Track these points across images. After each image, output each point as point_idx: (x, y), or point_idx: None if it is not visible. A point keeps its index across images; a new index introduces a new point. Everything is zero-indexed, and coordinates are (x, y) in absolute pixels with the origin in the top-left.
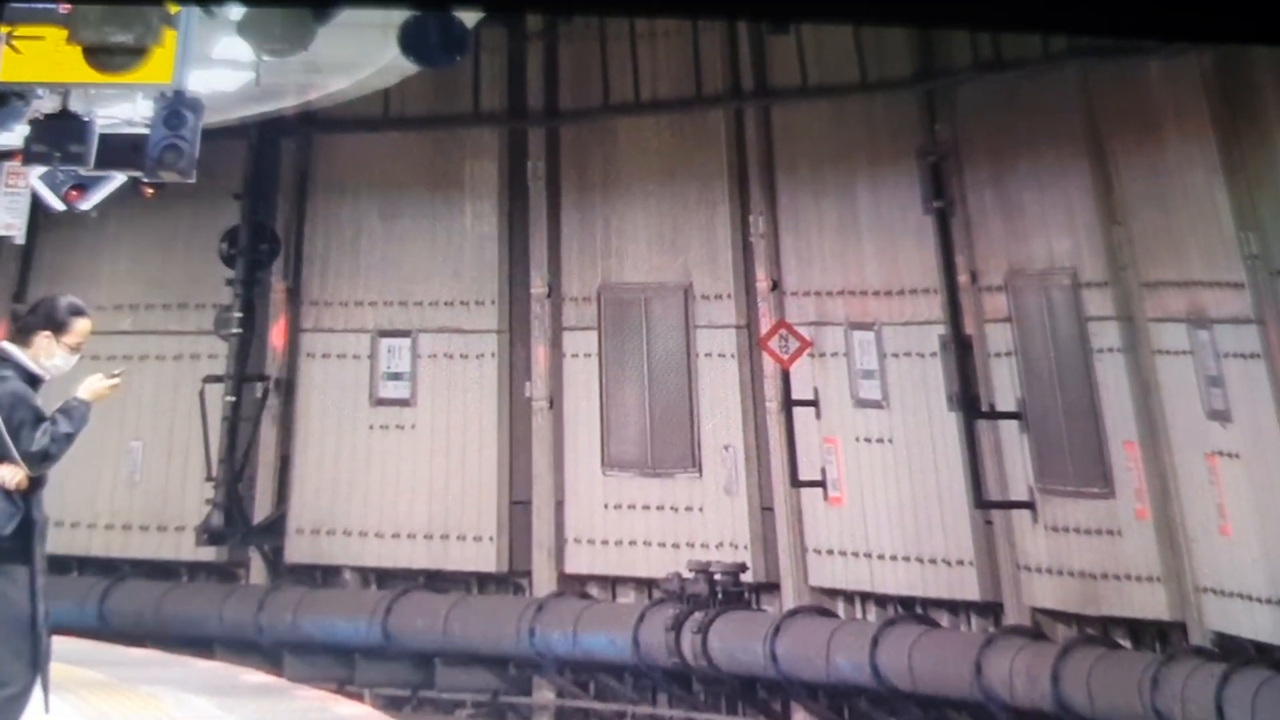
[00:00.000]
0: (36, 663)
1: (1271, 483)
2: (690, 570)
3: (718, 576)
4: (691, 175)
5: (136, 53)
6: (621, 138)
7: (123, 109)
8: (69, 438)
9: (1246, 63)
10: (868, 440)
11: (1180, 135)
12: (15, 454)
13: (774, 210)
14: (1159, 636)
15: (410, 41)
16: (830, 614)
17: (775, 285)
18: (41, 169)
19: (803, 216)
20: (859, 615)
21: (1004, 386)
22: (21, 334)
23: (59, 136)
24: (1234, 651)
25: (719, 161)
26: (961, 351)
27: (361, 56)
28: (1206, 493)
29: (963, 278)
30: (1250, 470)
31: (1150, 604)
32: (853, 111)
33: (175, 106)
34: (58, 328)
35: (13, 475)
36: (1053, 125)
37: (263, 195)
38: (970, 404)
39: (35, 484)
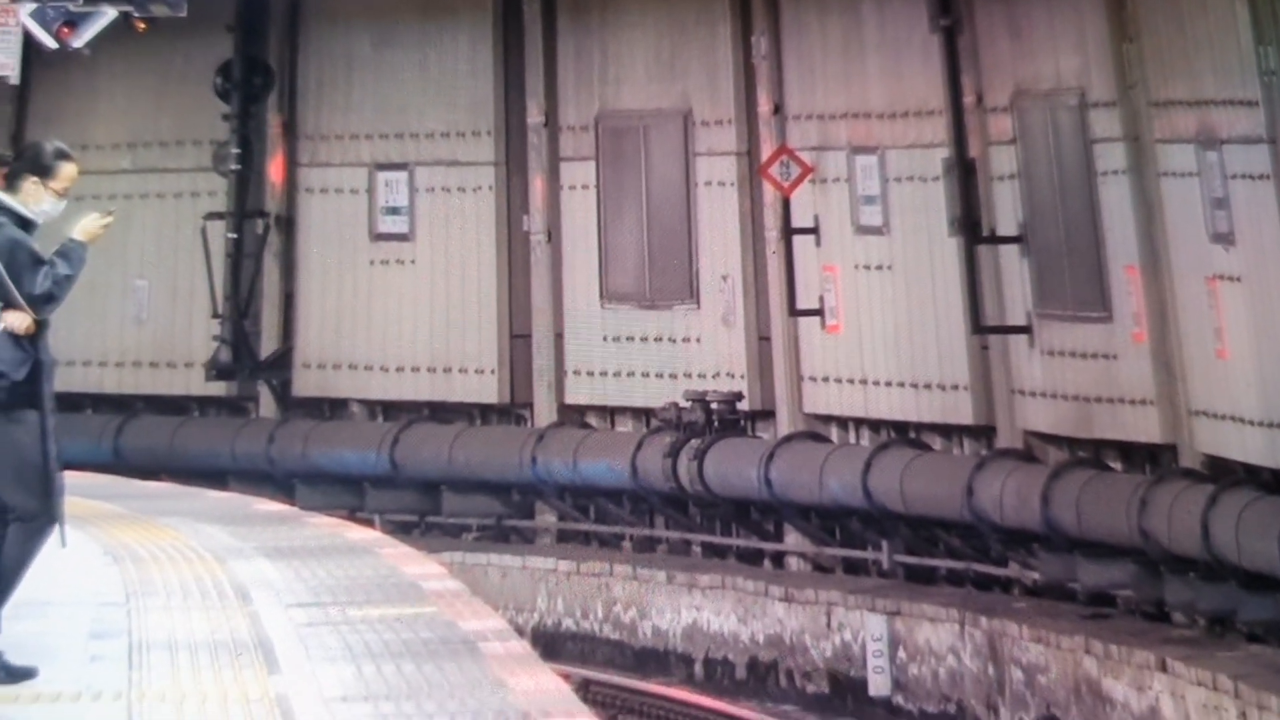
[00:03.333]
0: (52, 498)
1: (1271, 305)
2: (687, 399)
3: (714, 405)
4: None
5: None
6: None
7: None
8: (69, 279)
9: None
10: (867, 268)
11: None
12: (19, 299)
13: (777, 30)
14: (1150, 459)
15: None
16: (824, 439)
17: (777, 109)
18: (31, 5)
19: (806, 36)
20: (852, 441)
21: (1006, 211)
22: (8, 180)
23: None
24: (1223, 473)
25: None
26: (965, 175)
27: None
28: (1205, 316)
29: (968, 99)
30: (1251, 293)
31: (1143, 426)
32: None
33: None
34: (44, 172)
35: (20, 320)
36: None
37: (254, 27)
38: (972, 228)
39: (40, 327)
